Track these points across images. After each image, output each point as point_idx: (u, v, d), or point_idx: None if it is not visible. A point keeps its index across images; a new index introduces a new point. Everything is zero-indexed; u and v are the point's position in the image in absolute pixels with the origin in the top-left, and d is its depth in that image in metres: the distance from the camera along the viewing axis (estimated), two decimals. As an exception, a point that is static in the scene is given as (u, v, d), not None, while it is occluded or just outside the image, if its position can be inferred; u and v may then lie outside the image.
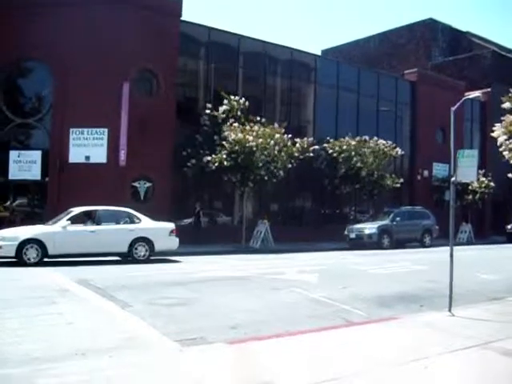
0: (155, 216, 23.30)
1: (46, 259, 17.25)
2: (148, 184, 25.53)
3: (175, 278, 14.39)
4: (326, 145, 31.34)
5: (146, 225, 18.77)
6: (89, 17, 24.76)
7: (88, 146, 24.61)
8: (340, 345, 7.71)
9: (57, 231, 17.43)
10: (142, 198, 25.42)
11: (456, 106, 11.27)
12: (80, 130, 24.70)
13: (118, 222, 18.57)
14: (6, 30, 24.77)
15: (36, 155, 25.42)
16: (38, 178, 25.31)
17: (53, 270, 15.71)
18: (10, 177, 25.59)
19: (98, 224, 18.20)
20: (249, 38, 30.41)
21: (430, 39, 49.77)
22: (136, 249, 18.34)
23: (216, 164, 24.81)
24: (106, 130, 24.58)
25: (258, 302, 11.18)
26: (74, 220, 18.03)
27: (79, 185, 23.69)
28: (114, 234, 18.12)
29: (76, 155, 24.66)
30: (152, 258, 18.79)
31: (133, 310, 9.94)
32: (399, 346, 7.66)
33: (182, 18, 27.05)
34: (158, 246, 18.73)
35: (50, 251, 17.27)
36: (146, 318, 9.22)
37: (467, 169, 10.11)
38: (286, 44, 32.93)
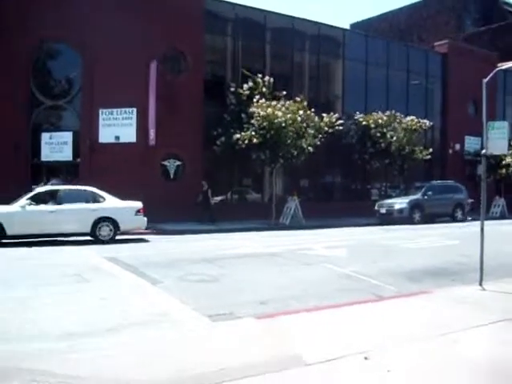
0: (185, 195, 23.64)
1: (4, 240, 16.78)
2: (178, 163, 25.66)
3: (205, 255, 14.52)
4: (356, 117, 31.06)
5: (109, 204, 18.12)
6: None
7: (117, 126, 24.80)
8: (369, 319, 7.73)
9: (15, 211, 16.98)
10: (171, 176, 25.58)
11: (488, 78, 11.03)
12: (109, 110, 24.88)
13: (80, 202, 17.95)
14: (35, 13, 24.92)
15: (67, 136, 25.75)
16: (70, 158, 25.66)
17: (83, 249, 16.01)
18: (43, 158, 26.01)
19: (59, 204, 17.62)
20: (275, 13, 30.10)
21: (462, 9, 48.72)
22: (100, 229, 17.73)
23: (245, 141, 24.80)
24: (134, 109, 24.71)
25: (288, 278, 11.25)
26: (37, 200, 17.63)
27: (110, 164, 23.94)
28: (75, 214, 17.52)
29: (106, 135, 24.88)
30: (177, 235, 18.89)
31: (163, 286, 10.10)
32: (428, 321, 7.65)
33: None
34: (123, 226, 18.12)
35: (9, 232, 16.78)
36: (176, 294, 9.37)
37: (498, 141, 9.96)
38: (313, 19, 32.58)
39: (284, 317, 7.76)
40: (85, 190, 18.58)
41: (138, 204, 18.89)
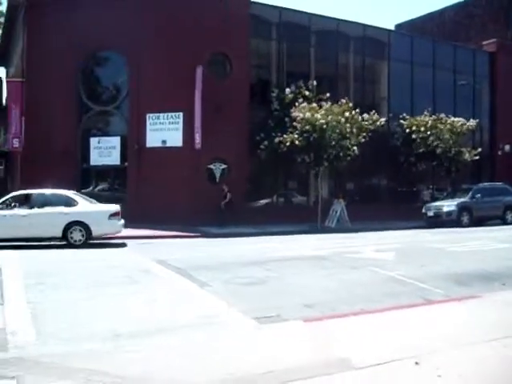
0: (231, 198, 23.80)
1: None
2: (223, 166, 25.87)
3: (252, 258, 14.61)
4: (401, 121, 30.73)
5: (82, 208, 17.76)
6: (159, 5, 25.19)
7: (164, 131, 25.19)
8: (417, 323, 7.65)
9: None
10: (217, 180, 25.81)
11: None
12: (156, 115, 25.29)
13: (53, 206, 17.73)
14: (83, 21, 25.51)
15: (115, 141, 26.31)
16: (118, 163, 26.19)
17: (132, 251, 16.29)
18: (92, 163, 26.63)
19: (31, 208, 17.61)
20: (320, 16, 30.02)
21: (510, 7, 47.55)
22: (71, 233, 17.48)
23: (287, 144, 24.84)
24: (181, 114, 25.04)
25: (335, 281, 11.22)
26: (11, 204, 17.67)
27: (157, 168, 24.36)
28: (46, 218, 17.30)
29: (153, 140, 25.30)
30: (223, 237, 19.04)
31: (211, 289, 10.20)
32: (479, 325, 7.52)
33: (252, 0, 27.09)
34: (95, 231, 17.64)
35: None
36: (224, 296, 9.46)
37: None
38: (358, 20, 32.33)
39: (331, 320, 7.76)
40: (59, 194, 18.32)
41: (113, 208, 18.39)
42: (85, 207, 17.86)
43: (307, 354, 6.25)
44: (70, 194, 18.46)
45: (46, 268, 12.90)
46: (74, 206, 17.82)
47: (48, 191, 18.57)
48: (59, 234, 17.45)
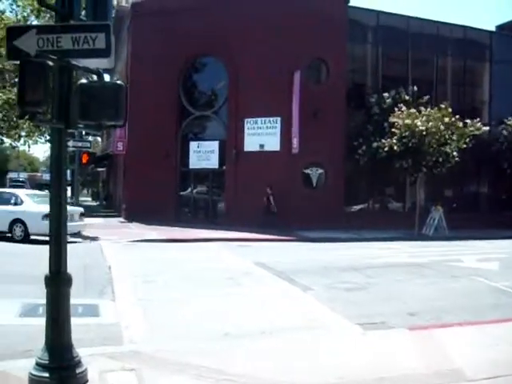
0: (327, 202, 23.83)
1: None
2: (320, 171, 25.91)
3: (351, 263, 14.61)
4: (506, 125, 29.52)
5: (24, 208, 18.82)
6: (258, 11, 25.55)
7: (262, 135, 25.54)
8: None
9: None
10: (314, 184, 25.87)
11: None
12: (254, 119, 25.70)
13: (3, 204, 19.08)
14: (184, 28, 26.42)
15: (214, 145, 26.99)
16: (216, 166, 26.84)
17: (232, 253, 16.66)
18: (191, 166, 27.45)
19: None
20: (418, 18, 29.46)
21: None
22: (14, 229, 18.61)
23: (386, 149, 24.56)
24: (278, 118, 25.32)
25: (436, 290, 11.07)
26: None
27: (254, 172, 24.71)
28: None
29: (251, 144, 25.73)
30: (320, 242, 19.05)
31: (313, 293, 10.33)
32: None
33: (350, 4, 26.98)
34: (30, 229, 18.43)
35: None
36: (326, 301, 9.56)
37: None
38: (457, 22, 31.39)
39: (437, 329, 7.69)
40: (11, 193, 20.10)
41: (44, 210, 18.42)
42: (27, 207, 18.95)
43: (416, 362, 6.25)
44: (21, 193, 20.07)
45: (153, 267, 13.47)
46: (20, 205, 19.13)
47: (2, 190, 20.85)
48: (6, 229, 18.80)
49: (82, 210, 20.60)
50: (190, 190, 28.39)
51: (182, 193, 28.35)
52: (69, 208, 20.07)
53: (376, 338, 7.37)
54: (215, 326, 7.83)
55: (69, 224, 17.85)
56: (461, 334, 7.50)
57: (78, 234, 19.69)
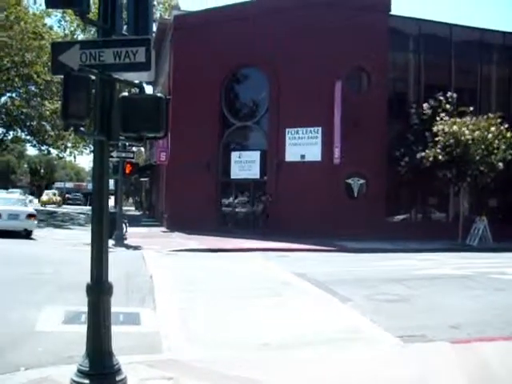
0: (368, 213, 23.65)
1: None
2: (361, 181, 25.77)
3: (392, 274, 14.45)
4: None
5: None
6: (299, 21, 25.67)
7: (303, 145, 25.57)
8: None
9: None
10: (355, 194, 25.75)
11: None
12: (295, 129, 25.76)
13: None
14: (226, 40, 26.72)
15: (255, 155, 27.14)
16: (257, 176, 26.96)
17: (271, 263, 16.66)
18: (232, 176, 27.63)
19: None
20: (461, 26, 29.05)
21: None
22: None
23: (430, 159, 24.24)
24: (319, 128, 25.32)
25: (480, 302, 10.84)
26: None
27: (295, 182, 24.75)
28: None
29: (292, 154, 25.78)
30: (361, 252, 18.87)
31: (353, 304, 10.25)
32: None
33: (391, 13, 26.82)
34: None
35: None
36: (365, 312, 9.48)
37: None
38: (501, 29, 30.73)
39: (480, 343, 7.53)
40: None
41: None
42: None
43: (462, 377, 6.13)
44: None
45: (193, 276, 13.58)
46: None
47: None
48: None
49: (31, 211, 22.44)
50: (231, 199, 28.56)
51: (223, 203, 28.53)
52: (16, 208, 22.14)
53: (416, 350, 7.28)
54: (254, 336, 7.85)
55: (14, 222, 21.15)
56: (505, 349, 7.34)
57: (28, 234, 21.78)
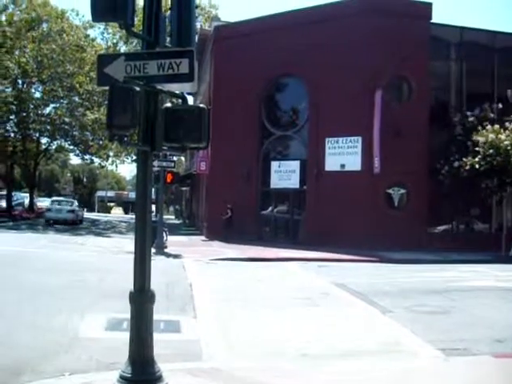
0: (409, 223, 23.37)
1: None
2: (402, 191, 25.47)
3: (433, 285, 14.24)
4: None
5: None
6: (338, 30, 25.67)
7: (343, 155, 25.44)
8: None
9: None
10: (396, 204, 25.46)
11: None
12: (335, 139, 25.65)
13: None
14: (266, 50, 26.88)
15: (295, 165, 27.14)
16: (297, 186, 26.95)
17: (311, 273, 16.61)
18: (272, 185, 27.69)
19: None
20: (504, 33, 28.58)
21: None
22: None
23: (467, 168, 23.85)
24: (359, 138, 25.16)
25: (525, 316, 10.61)
26: None
27: (335, 192, 24.63)
28: None
29: (332, 164, 25.66)
30: (401, 263, 18.68)
31: (393, 315, 10.14)
32: None
33: (432, 21, 26.57)
34: None
35: None
36: (406, 324, 9.36)
37: None
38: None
39: (525, 358, 7.39)
40: None
41: None
42: None
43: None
44: None
45: (233, 285, 13.65)
46: None
47: None
48: None
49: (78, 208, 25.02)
50: (270, 209, 28.61)
51: (262, 212, 28.60)
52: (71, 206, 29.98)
53: (459, 364, 7.17)
54: (293, 346, 7.85)
55: (69, 214, 31.16)
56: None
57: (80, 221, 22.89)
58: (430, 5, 26.42)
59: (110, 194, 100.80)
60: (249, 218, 27.19)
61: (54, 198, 45.18)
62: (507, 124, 24.15)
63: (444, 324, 9.66)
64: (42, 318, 8.65)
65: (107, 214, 73.04)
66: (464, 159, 24.08)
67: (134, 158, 37.31)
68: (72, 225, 36.41)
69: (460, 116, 26.10)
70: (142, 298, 5.49)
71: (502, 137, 23.41)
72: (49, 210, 38.37)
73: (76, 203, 42.92)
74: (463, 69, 27.86)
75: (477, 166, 23.59)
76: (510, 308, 11.43)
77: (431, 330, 9.01)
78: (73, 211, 37.98)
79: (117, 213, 71.47)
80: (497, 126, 23.97)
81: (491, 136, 23.53)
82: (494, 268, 19.79)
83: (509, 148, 23.30)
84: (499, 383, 6.35)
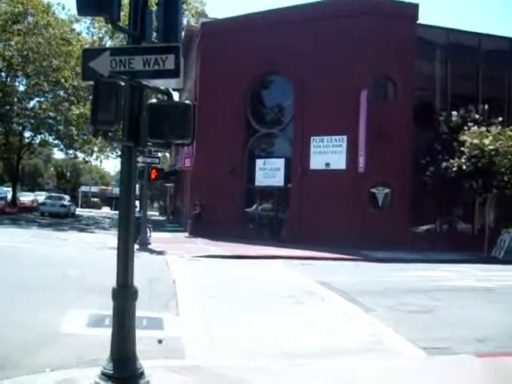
0: (392, 222, 23.46)
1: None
2: (386, 190, 25.59)
3: (415, 285, 14.32)
4: None
5: None
6: (325, 30, 25.74)
7: (328, 154, 25.51)
8: None
9: None
10: (380, 204, 25.57)
11: None
12: (320, 137, 25.71)
13: None
14: (252, 47, 26.91)
15: (280, 163, 27.16)
16: (282, 184, 26.98)
17: (294, 271, 16.63)
18: (256, 183, 27.68)
19: None
20: (490, 35, 28.88)
21: None
22: None
23: (454, 169, 24.01)
24: (344, 137, 25.24)
25: (506, 316, 10.65)
26: None
27: (319, 190, 24.70)
28: None
29: (316, 162, 25.71)
30: (384, 262, 18.76)
31: (376, 314, 10.18)
32: None
33: (418, 22, 26.70)
34: None
35: None
36: (389, 323, 9.41)
37: None
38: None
39: (506, 358, 7.44)
40: None
41: None
42: None
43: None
44: None
45: (216, 282, 13.64)
46: None
47: None
48: None
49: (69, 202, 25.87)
50: (255, 206, 28.62)
51: (247, 209, 28.60)
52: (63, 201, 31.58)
53: (441, 363, 7.21)
54: (275, 344, 7.85)
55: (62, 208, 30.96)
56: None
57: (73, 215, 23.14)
58: (416, 6, 26.54)
59: (94, 189, 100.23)
60: (233, 215, 27.18)
61: (49, 194, 49.79)
62: (493, 128, 24.31)
63: (425, 323, 9.71)
64: (24, 314, 8.57)
65: (91, 210, 72.71)
66: (451, 160, 24.21)
67: (119, 153, 37.19)
68: (64, 217, 40.36)
69: (446, 115, 26.22)
70: (124, 295, 5.46)
71: (486, 142, 23.59)
72: (43, 204, 42.58)
73: (68, 198, 47.76)
74: (448, 70, 28.04)
75: (464, 167, 23.75)
76: (491, 308, 11.51)
77: (413, 329, 9.05)
78: (64, 206, 42.29)
79: (105, 211, 72.10)
80: (483, 129, 24.12)
81: (476, 140, 23.70)
82: (476, 268, 19.97)
83: (493, 153, 23.48)
84: (480, 382, 6.39)
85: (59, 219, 38.08)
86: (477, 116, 25.56)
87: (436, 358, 7.40)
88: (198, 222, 27.04)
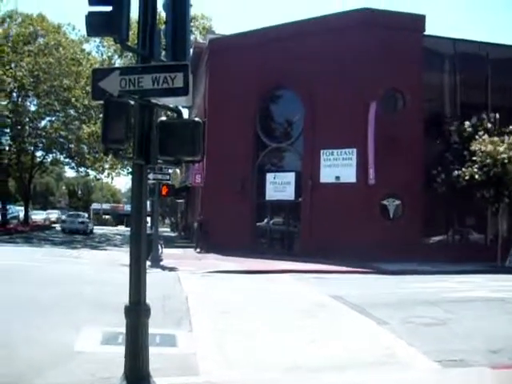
0: (404, 234, 23.34)
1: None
2: (397, 202, 25.49)
3: (428, 297, 14.23)
4: None
5: None
6: (332, 43, 25.84)
7: (338, 167, 25.48)
8: None
9: None
10: (391, 216, 25.48)
11: None
12: (330, 151, 25.70)
13: None
14: (261, 62, 27.04)
15: (290, 176, 27.18)
16: (292, 198, 26.96)
17: (307, 285, 16.59)
18: (267, 197, 27.70)
19: None
20: (498, 45, 28.82)
21: None
22: None
23: (466, 178, 23.90)
24: (354, 149, 25.21)
25: (520, 327, 10.61)
26: None
27: (330, 203, 24.64)
28: None
29: (327, 175, 25.68)
30: (396, 275, 18.67)
31: (389, 327, 10.14)
32: None
33: (425, 33, 26.75)
34: None
35: None
36: (402, 335, 9.37)
37: None
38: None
39: (522, 369, 7.38)
40: None
41: None
42: None
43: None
44: None
45: (229, 297, 13.60)
46: None
47: None
48: None
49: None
50: (266, 221, 28.61)
51: (258, 224, 28.59)
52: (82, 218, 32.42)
53: (455, 376, 7.16)
54: (289, 359, 7.84)
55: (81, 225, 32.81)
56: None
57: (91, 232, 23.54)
58: (423, 17, 26.62)
59: (106, 206, 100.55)
60: (244, 229, 27.18)
61: (69, 213, 54.87)
62: (506, 137, 24.21)
63: (439, 335, 9.65)
64: (37, 332, 8.61)
65: (103, 227, 73.02)
66: (463, 169, 24.10)
67: (130, 170, 37.40)
68: (83, 234, 42.61)
69: (457, 125, 26.13)
70: (137, 312, 5.48)
71: (501, 149, 23.49)
72: (64, 221, 46.42)
73: (86, 216, 51.83)
74: (457, 80, 28.00)
75: (476, 176, 23.64)
76: (505, 319, 11.41)
77: (427, 342, 9.00)
78: (83, 223, 45.20)
79: (120, 228, 72.48)
80: (496, 139, 24.04)
81: (490, 147, 23.61)
82: (490, 278, 19.83)
83: (506, 161, 23.38)
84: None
85: (72, 237, 38.26)
86: (489, 125, 25.44)
87: (450, 371, 7.35)
88: (204, 238, 27.18)
